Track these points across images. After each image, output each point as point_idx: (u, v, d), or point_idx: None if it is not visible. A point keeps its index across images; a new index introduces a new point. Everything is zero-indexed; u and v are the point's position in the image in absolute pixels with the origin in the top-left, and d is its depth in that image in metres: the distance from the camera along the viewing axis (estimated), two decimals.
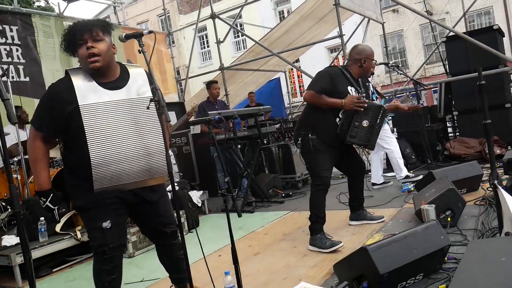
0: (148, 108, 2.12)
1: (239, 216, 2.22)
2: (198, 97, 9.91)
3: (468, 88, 6.60)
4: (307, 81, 22.85)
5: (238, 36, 22.92)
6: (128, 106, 2.13)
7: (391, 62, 5.26)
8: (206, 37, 24.40)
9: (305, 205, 5.12)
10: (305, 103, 3.32)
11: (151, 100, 2.08)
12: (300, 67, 9.23)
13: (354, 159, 3.76)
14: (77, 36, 2.06)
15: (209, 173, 6.70)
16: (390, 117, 5.32)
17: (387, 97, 8.49)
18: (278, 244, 3.67)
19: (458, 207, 3.27)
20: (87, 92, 2.05)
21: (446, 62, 7.00)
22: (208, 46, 24.85)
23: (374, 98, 5.27)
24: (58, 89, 2.09)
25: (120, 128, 2.08)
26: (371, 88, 5.24)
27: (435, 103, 18.08)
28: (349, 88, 3.47)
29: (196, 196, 5.28)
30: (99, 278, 2.23)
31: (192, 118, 5.71)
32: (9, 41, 6.02)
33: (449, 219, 3.22)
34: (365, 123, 3.33)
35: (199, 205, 5.40)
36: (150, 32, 2.20)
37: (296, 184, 6.41)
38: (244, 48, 22.89)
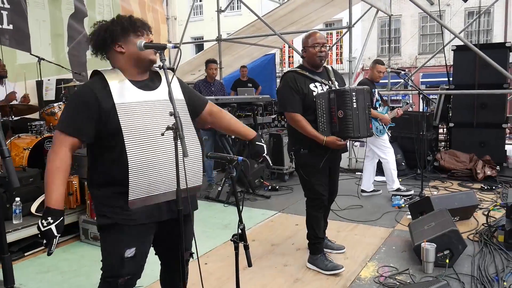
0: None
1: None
2: (189, 65, 9.50)
3: (468, 101, 6.50)
4: (297, 60, 22.44)
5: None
6: (163, 108, 1.91)
7: (402, 72, 5.05)
8: None
9: (293, 205, 5.01)
10: None
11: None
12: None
13: (331, 180, 3.38)
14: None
15: None
16: (392, 126, 5.15)
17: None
18: (267, 258, 3.52)
19: (458, 249, 3.19)
20: (122, 90, 1.83)
21: (451, 70, 6.82)
22: (201, 0, 23.83)
23: (378, 106, 5.11)
24: (91, 87, 1.83)
25: (157, 129, 1.85)
26: (377, 95, 5.06)
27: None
28: (311, 86, 3.15)
29: None
30: None
31: None
32: None
33: (447, 260, 3.14)
34: (340, 113, 3.02)
35: None
36: (176, 47, 1.90)
37: (283, 176, 6.27)
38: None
